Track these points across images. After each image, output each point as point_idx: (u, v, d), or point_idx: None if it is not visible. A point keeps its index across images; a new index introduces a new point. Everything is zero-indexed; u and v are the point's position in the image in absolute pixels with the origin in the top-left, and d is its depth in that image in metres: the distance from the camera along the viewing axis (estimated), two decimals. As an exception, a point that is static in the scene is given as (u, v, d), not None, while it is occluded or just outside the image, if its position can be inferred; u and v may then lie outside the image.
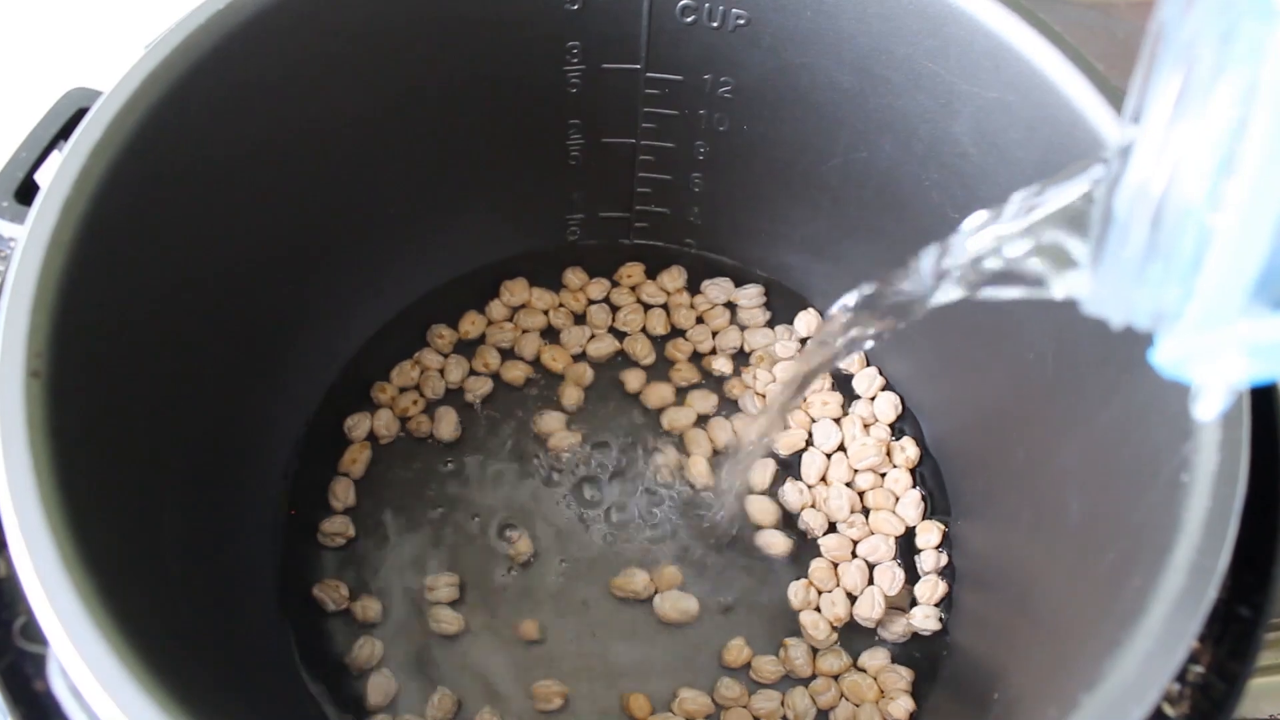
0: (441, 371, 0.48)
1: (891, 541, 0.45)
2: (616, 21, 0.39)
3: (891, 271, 0.29)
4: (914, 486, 0.46)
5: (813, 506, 0.46)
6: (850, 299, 0.31)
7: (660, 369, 0.49)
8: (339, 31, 0.35)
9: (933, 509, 0.46)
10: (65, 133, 0.34)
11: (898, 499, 0.46)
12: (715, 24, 0.38)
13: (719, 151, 0.44)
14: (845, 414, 0.48)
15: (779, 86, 0.40)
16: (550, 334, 0.49)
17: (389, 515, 0.45)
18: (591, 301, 0.50)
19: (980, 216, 0.24)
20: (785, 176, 0.44)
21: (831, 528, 0.45)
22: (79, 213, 0.29)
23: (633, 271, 0.50)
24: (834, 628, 0.43)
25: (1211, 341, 0.18)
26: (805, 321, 0.50)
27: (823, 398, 0.48)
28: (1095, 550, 0.31)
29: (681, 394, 0.48)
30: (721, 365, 0.49)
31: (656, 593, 0.44)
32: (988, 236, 0.24)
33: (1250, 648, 0.27)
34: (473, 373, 0.48)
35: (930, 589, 0.43)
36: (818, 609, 0.44)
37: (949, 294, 0.27)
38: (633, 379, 0.48)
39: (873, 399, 0.48)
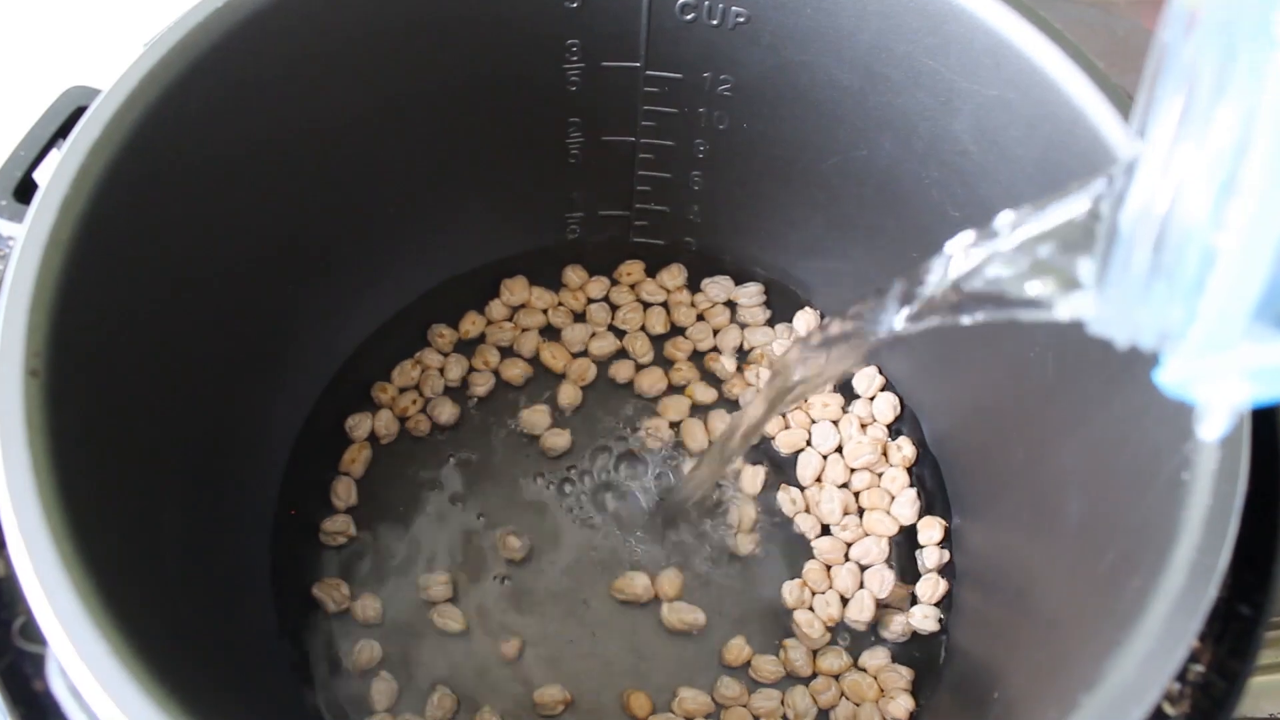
0: (441, 371, 0.48)
1: (884, 543, 0.45)
2: (616, 19, 0.39)
3: (862, 300, 0.28)
4: (910, 486, 0.46)
5: (806, 510, 0.46)
6: (811, 328, 0.31)
7: (660, 367, 0.49)
8: (338, 30, 0.35)
9: (932, 508, 0.46)
10: (64, 131, 0.34)
11: (893, 499, 0.46)
12: (715, 22, 0.38)
13: (719, 149, 0.44)
14: (845, 413, 0.48)
15: (779, 84, 0.40)
16: (550, 333, 0.49)
17: (389, 515, 0.45)
18: (591, 300, 0.50)
19: (967, 237, 0.24)
20: (785, 174, 0.44)
21: (825, 530, 0.45)
22: (77, 211, 0.28)
23: (632, 269, 0.50)
24: (828, 627, 0.43)
25: (1214, 364, 0.18)
26: (805, 320, 0.49)
27: (823, 399, 0.47)
28: (1095, 549, 0.31)
29: (678, 390, 0.48)
30: (725, 362, 0.48)
31: (660, 600, 0.43)
32: (975, 258, 0.24)
33: (1251, 646, 0.27)
34: (473, 371, 0.48)
35: (931, 588, 0.43)
36: (811, 608, 0.44)
37: (923, 325, 0.26)
38: (626, 370, 0.48)
39: (872, 399, 0.48)
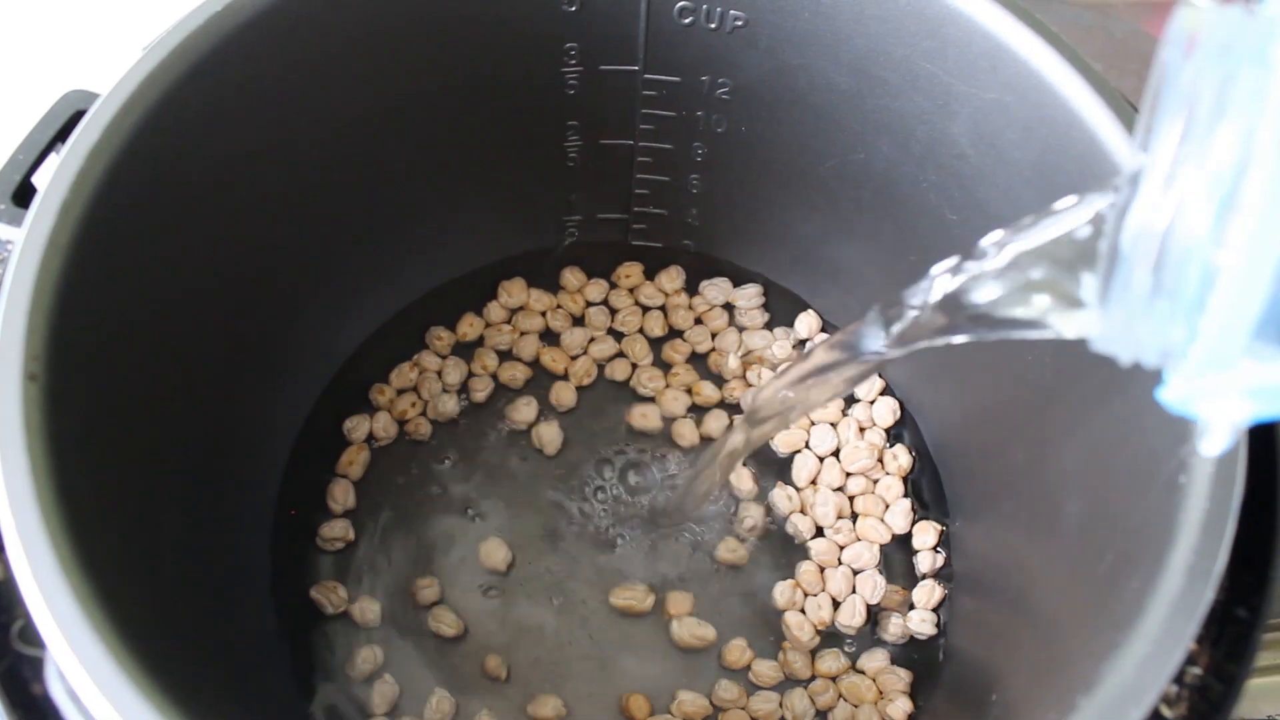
0: (440, 373, 0.48)
1: (876, 549, 0.45)
2: (614, 23, 0.39)
3: (846, 328, 0.29)
4: (905, 495, 0.46)
5: (801, 511, 0.46)
6: (812, 333, 0.31)
7: (658, 370, 0.49)
8: (336, 33, 0.35)
9: (929, 511, 0.46)
10: (63, 135, 0.34)
11: (887, 506, 0.46)
12: (713, 25, 0.38)
13: (717, 153, 0.44)
14: (844, 416, 0.48)
15: (776, 88, 0.40)
16: (548, 336, 0.49)
17: (386, 517, 0.45)
18: (590, 303, 0.50)
19: (952, 260, 0.24)
20: (783, 178, 0.44)
21: (819, 532, 0.45)
22: (76, 215, 0.29)
23: (631, 272, 0.50)
24: (818, 630, 0.43)
25: (1215, 382, 0.18)
26: (805, 323, 0.49)
27: (823, 400, 0.48)
28: (1093, 552, 0.31)
29: (677, 393, 0.48)
30: (731, 363, 0.48)
31: (665, 609, 0.43)
32: (961, 279, 0.24)
33: (1248, 649, 0.27)
34: (471, 374, 0.48)
35: (927, 594, 0.43)
36: (803, 610, 0.44)
37: (910, 348, 0.26)
38: (624, 373, 0.48)
39: (872, 402, 0.48)
